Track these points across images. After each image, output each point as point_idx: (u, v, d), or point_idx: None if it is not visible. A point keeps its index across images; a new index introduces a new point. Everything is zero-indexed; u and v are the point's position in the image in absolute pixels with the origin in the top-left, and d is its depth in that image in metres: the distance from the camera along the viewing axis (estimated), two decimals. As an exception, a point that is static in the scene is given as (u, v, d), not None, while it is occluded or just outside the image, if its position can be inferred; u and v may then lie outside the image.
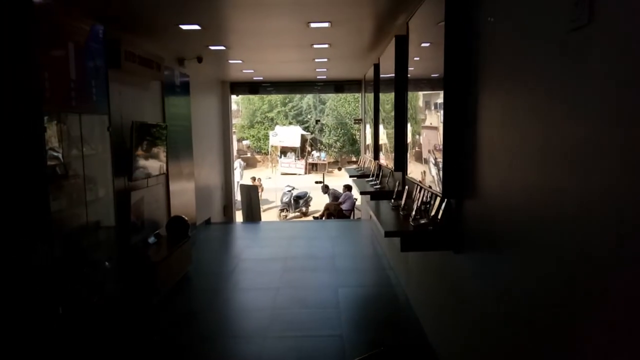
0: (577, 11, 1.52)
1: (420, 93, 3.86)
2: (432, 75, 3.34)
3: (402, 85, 4.44)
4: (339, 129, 27.61)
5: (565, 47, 1.63)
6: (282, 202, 16.10)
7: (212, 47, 6.41)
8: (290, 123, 28.47)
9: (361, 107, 10.82)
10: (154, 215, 5.72)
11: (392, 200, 4.27)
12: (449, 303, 3.28)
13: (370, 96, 7.06)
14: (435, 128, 3.19)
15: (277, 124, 28.34)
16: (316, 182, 16.53)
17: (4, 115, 3.14)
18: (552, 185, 1.74)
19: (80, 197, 3.80)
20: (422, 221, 3.28)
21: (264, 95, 25.94)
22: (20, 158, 3.20)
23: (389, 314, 4.61)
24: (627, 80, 1.31)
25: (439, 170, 3.07)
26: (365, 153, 9.05)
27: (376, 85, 6.44)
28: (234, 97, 12.85)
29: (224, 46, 6.38)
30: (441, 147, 3.00)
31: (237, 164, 18.03)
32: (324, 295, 5.15)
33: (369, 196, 5.75)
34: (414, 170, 3.91)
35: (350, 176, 7.89)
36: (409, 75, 4.22)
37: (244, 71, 9.03)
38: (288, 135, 26.67)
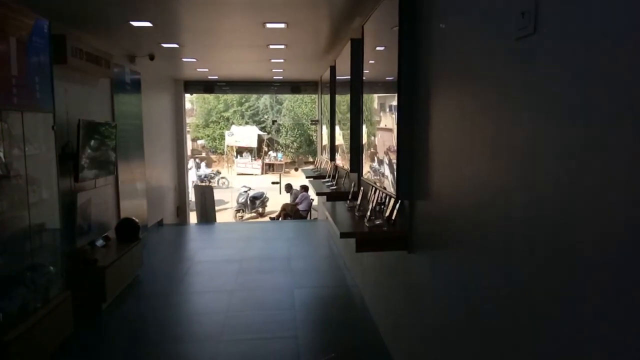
0: (524, 21, 1.58)
1: (376, 95, 3.91)
2: (387, 78, 3.39)
3: (357, 87, 4.49)
4: (296, 130, 27.60)
5: (512, 54, 1.70)
6: (238, 203, 15.91)
7: (164, 45, 6.25)
8: (247, 123, 28.20)
9: (318, 108, 10.85)
10: (102, 217, 5.53)
11: (348, 201, 4.30)
12: (403, 302, 3.34)
13: (327, 97, 7.09)
14: (390, 130, 3.24)
15: (233, 123, 27.99)
16: (273, 183, 16.47)
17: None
18: (499, 186, 1.80)
19: (23, 199, 3.61)
20: (377, 222, 3.32)
21: (220, 95, 25.60)
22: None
23: (344, 315, 4.63)
24: (568, 85, 1.38)
25: (393, 171, 3.12)
26: (321, 154, 9.08)
27: (332, 86, 6.48)
28: (188, 95, 12.59)
29: (177, 44, 6.24)
30: (396, 148, 3.05)
31: (192, 163, 17.74)
32: (279, 296, 5.12)
33: (325, 197, 5.77)
34: (369, 172, 3.96)
35: (307, 177, 7.89)
36: (364, 78, 4.27)
37: (198, 70, 8.87)
38: (244, 135, 26.41)
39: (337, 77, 5.99)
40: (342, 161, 5.61)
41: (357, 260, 5.14)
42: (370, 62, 4.03)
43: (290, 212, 12.65)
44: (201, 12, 4.60)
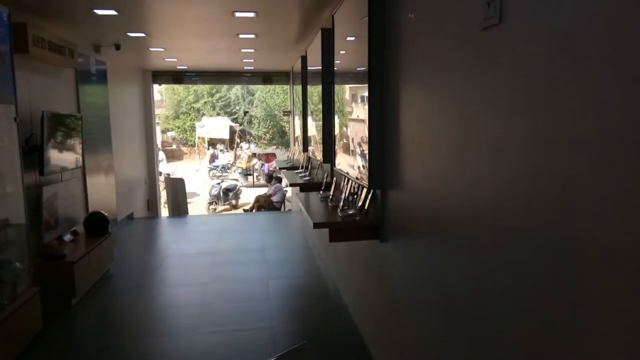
0: (489, 11, 1.61)
1: (347, 86, 3.92)
2: (358, 69, 3.40)
3: (329, 78, 4.48)
4: (268, 121, 27.41)
5: (479, 44, 1.73)
6: (210, 195, 15.74)
7: (130, 34, 6.09)
8: (218, 114, 27.82)
9: (290, 99, 10.80)
10: (69, 211, 5.40)
11: (321, 192, 4.31)
12: (376, 291, 3.39)
13: (299, 88, 7.07)
14: (362, 120, 3.25)
15: (204, 115, 27.58)
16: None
17: None
18: (468, 176, 1.84)
19: (-16, 194, 3.50)
20: (350, 212, 3.35)
21: (189, 85, 25.13)
22: None
23: (319, 304, 4.67)
24: (534, 77, 1.41)
25: (365, 161, 3.15)
26: (294, 145, 9.07)
27: (304, 77, 6.45)
28: (156, 86, 12.33)
29: (144, 33, 6.08)
30: (367, 139, 3.07)
31: (162, 155, 17.41)
32: (254, 288, 5.12)
33: (298, 188, 5.77)
34: (342, 162, 3.97)
35: (280, 168, 7.87)
36: (335, 68, 4.26)
37: (166, 60, 8.68)
38: (216, 126, 26.04)
39: (309, 68, 5.97)
40: (315, 152, 5.61)
41: (331, 250, 5.18)
42: (341, 52, 4.03)
43: (263, 204, 12.61)
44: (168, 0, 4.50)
